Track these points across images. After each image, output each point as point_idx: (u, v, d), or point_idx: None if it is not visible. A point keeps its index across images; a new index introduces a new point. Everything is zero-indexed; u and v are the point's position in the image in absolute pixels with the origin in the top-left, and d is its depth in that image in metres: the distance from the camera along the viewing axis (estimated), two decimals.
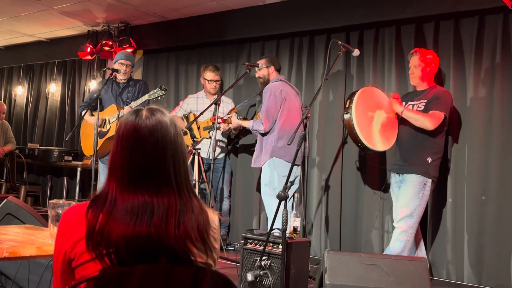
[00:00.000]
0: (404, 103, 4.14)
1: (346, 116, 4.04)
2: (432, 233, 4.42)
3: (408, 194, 3.93)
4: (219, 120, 4.85)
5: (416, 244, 4.09)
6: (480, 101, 4.22)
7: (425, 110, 3.96)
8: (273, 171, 4.48)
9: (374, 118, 4.12)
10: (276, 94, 4.50)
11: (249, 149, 5.66)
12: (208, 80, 5.42)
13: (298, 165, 4.56)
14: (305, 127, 3.97)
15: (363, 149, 4.13)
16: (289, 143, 3.75)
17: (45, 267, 2.89)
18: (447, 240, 4.31)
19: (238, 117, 4.99)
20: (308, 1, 5.09)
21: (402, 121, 4.08)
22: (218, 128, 4.99)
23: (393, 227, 4.01)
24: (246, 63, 4.80)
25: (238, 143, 5.74)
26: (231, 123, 4.94)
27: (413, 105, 4.07)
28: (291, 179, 4.45)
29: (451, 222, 4.29)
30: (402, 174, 4.02)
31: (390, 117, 4.15)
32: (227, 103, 5.46)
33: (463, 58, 4.36)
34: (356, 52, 4.27)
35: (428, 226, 4.43)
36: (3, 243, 1.90)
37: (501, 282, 4.02)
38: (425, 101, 4.00)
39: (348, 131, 4.10)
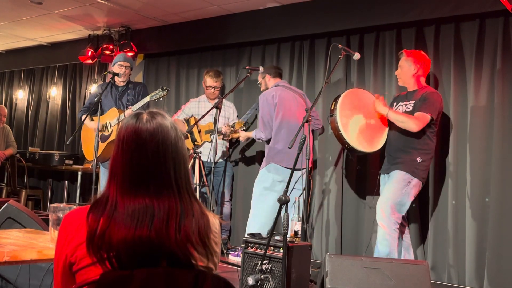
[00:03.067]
0: (395, 103, 4.12)
1: (331, 119, 4.04)
2: (434, 236, 4.41)
3: (390, 189, 3.89)
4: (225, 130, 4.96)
5: (401, 234, 4.04)
6: (481, 104, 4.22)
7: (413, 112, 3.92)
8: (272, 176, 4.52)
9: (360, 120, 4.08)
10: (268, 100, 4.59)
11: (250, 153, 5.66)
12: (206, 86, 5.43)
13: (300, 170, 4.53)
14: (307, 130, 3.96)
15: (350, 151, 4.10)
16: (289, 146, 3.74)
17: (46, 271, 2.88)
18: (448, 243, 4.30)
19: (242, 128, 5.02)
20: (308, 5, 5.10)
21: (390, 122, 4.05)
22: (219, 132, 4.99)
23: (377, 223, 3.96)
24: (247, 67, 4.81)
25: (239, 147, 5.73)
26: (240, 135, 5.00)
27: (403, 106, 4.03)
28: (292, 184, 4.46)
29: (452, 225, 4.28)
30: (389, 173, 3.99)
31: (376, 118, 4.11)
32: (228, 107, 5.46)
33: (463, 62, 4.36)
34: (356, 56, 4.27)
35: (430, 229, 4.42)
36: (4, 247, 1.90)
37: (503, 286, 4.01)
38: (413, 102, 3.96)
39: (334, 133, 4.07)
